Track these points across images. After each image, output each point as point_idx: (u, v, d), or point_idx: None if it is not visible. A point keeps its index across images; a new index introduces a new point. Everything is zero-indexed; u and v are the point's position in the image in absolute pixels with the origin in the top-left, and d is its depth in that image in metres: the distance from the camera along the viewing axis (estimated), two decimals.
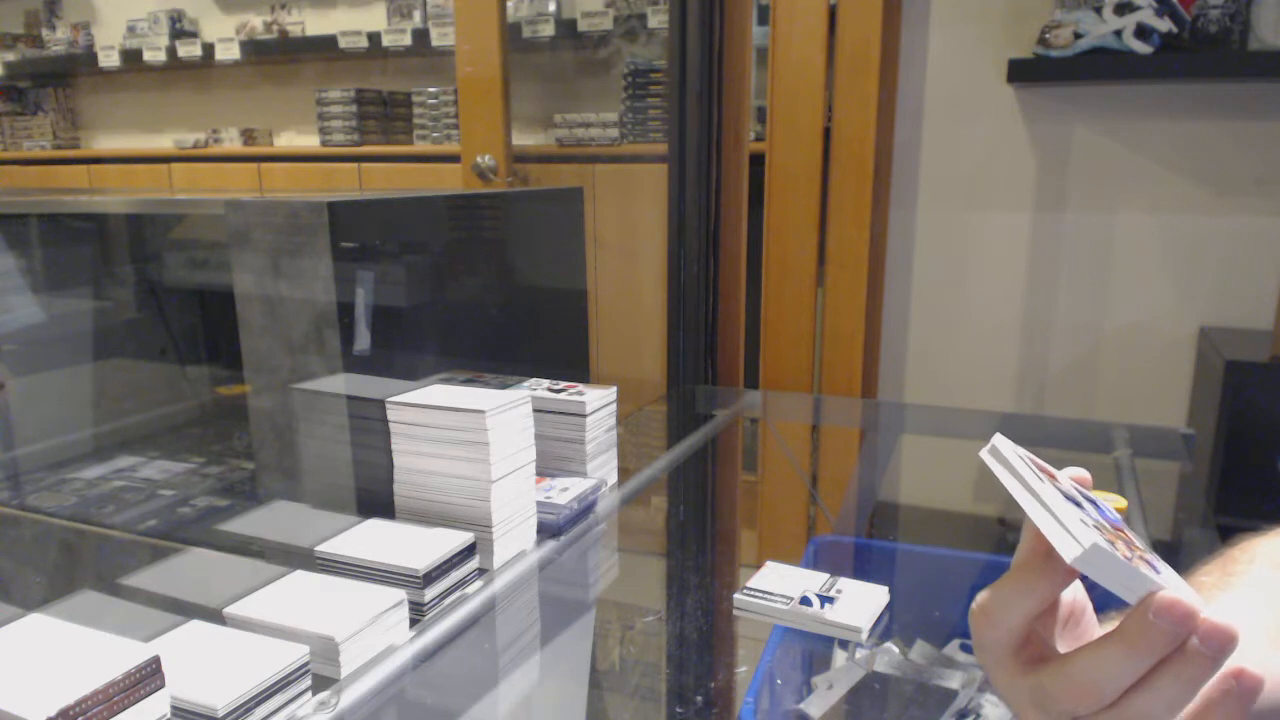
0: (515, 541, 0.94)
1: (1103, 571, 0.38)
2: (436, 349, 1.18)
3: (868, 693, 0.77)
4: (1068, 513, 0.40)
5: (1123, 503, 1.09)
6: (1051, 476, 0.45)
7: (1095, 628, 0.46)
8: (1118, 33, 1.70)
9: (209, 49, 3.22)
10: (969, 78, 1.93)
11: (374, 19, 3.12)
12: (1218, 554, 0.54)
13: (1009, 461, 0.45)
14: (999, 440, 0.46)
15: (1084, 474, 0.46)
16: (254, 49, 3.19)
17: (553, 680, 0.82)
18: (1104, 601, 0.48)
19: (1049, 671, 0.41)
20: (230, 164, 3.30)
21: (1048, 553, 0.40)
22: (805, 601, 0.85)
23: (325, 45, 3.04)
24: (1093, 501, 0.46)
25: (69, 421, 1.46)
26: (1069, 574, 0.40)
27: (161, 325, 1.58)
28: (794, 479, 1.46)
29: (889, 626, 0.85)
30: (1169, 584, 0.39)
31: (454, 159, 2.36)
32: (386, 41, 2.92)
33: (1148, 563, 0.40)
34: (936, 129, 1.97)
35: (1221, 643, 0.37)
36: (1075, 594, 0.46)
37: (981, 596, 0.43)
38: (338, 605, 0.75)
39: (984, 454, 0.46)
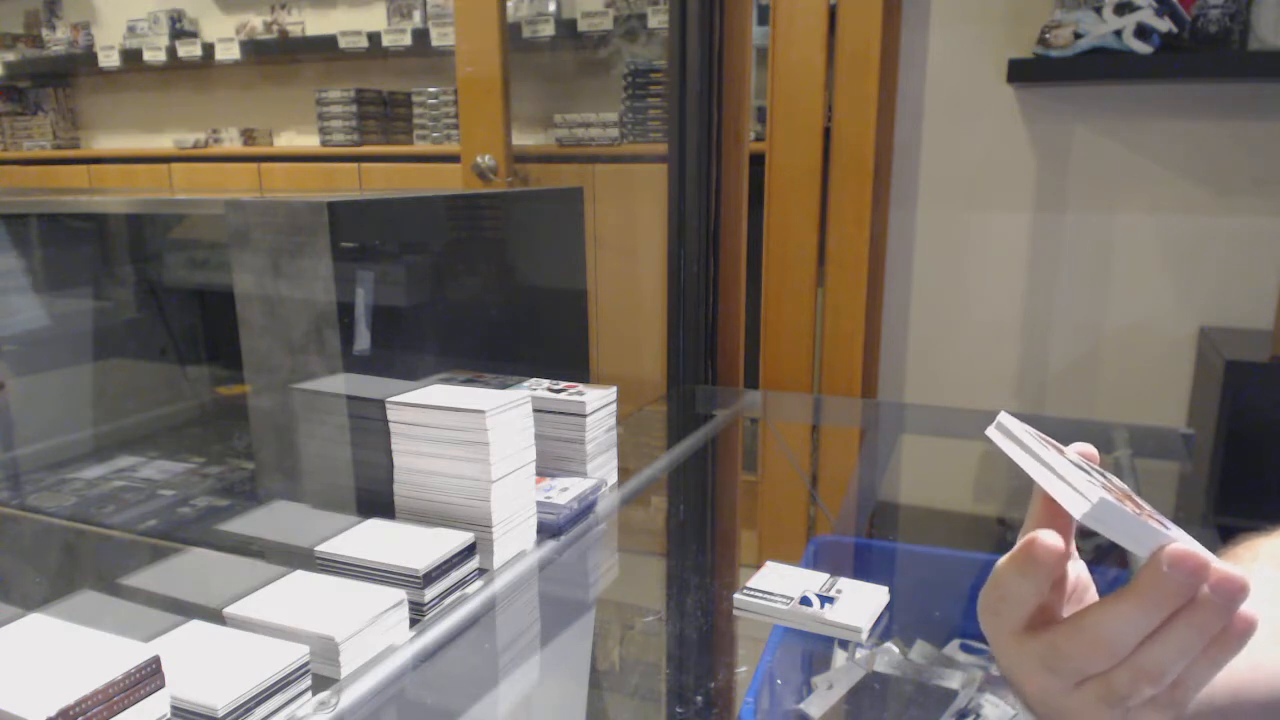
0: (515, 541, 0.94)
1: (1112, 526, 0.39)
2: (436, 349, 1.18)
3: (868, 693, 0.77)
4: (1075, 475, 0.41)
5: None
6: (1058, 450, 0.46)
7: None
8: (1118, 33, 1.70)
9: (209, 49, 3.21)
10: (969, 78, 1.92)
11: (374, 19, 3.12)
12: (1220, 552, 0.54)
13: (1015, 435, 0.45)
14: (1004, 417, 0.47)
15: (1090, 449, 0.47)
16: (254, 49, 3.19)
17: (553, 680, 0.82)
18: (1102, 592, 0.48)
19: (1062, 631, 0.41)
20: (230, 164, 3.30)
21: (1056, 518, 0.41)
22: (805, 601, 0.85)
23: (325, 45, 3.04)
24: (1100, 473, 0.46)
25: (69, 421, 1.46)
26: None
27: (161, 325, 1.58)
28: (794, 479, 1.46)
29: (889, 626, 0.85)
30: (1179, 538, 0.39)
31: (454, 159, 2.35)
32: (386, 41, 2.92)
33: (1158, 520, 0.41)
34: (936, 129, 1.97)
35: (1233, 591, 0.37)
36: (1079, 571, 0.47)
37: (999, 570, 0.43)
38: (338, 605, 0.75)
39: (990, 430, 0.47)
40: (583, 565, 1.01)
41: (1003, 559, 0.43)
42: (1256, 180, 1.77)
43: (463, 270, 1.26)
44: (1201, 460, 1.59)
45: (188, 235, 1.54)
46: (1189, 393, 1.88)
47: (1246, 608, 0.38)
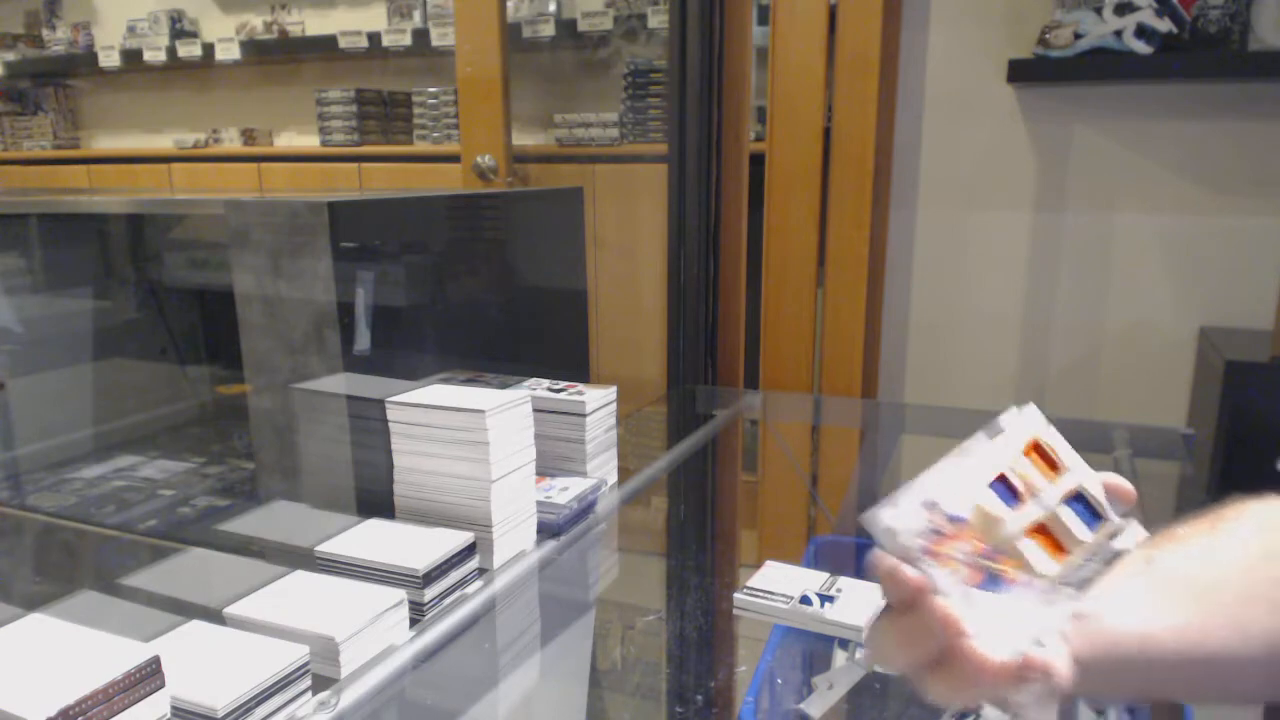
0: (515, 541, 0.94)
1: (880, 538, 0.45)
2: (436, 349, 1.18)
3: (868, 693, 0.77)
4: (918, 493, 0.45)
5: None
6: (1065, 469, 0.46)
7: None
8: (1118, 33, 1.70)
9: (209, 49, 3.21)
10: (969, 78, 1.92)
11: (374, 19, 3.11)
12: (1210, 510, 0.55)
13: (1011, 431, 0.47)
14: (1029, 409, 0.48)
15: (1117, 481, 0.48)
16: (254, 49, 3.19)
17: (553, 680, 0.82)
18: None
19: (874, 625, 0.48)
20: (230, 164, 3.30)
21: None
22: (805, 601, 0.85)
23: (325, 45, 3.04)
24: (1090, 508, 0.45)
25: (69, 421, 1.46)
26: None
27: (161, 325, 1.58)
28: (794, 479, 1.46)
29: None
30: (948, 587, 0.43)
31: (454, 159, 2.35)
32: (386, 41, 2.92)
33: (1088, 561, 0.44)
34: (936, 129, 1.97)
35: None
36: None
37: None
38: (338, 605, 0.75)
39: (1005, 415, 0.48)
40: (583, 565, 1.01)
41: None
42: (1256, 180, 1.77)
43: (463, 270, 1.26)
44: (1201, 460, 1.59)
45: (188, 235, 1.54)
46: (1189, 393, 1.88)
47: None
